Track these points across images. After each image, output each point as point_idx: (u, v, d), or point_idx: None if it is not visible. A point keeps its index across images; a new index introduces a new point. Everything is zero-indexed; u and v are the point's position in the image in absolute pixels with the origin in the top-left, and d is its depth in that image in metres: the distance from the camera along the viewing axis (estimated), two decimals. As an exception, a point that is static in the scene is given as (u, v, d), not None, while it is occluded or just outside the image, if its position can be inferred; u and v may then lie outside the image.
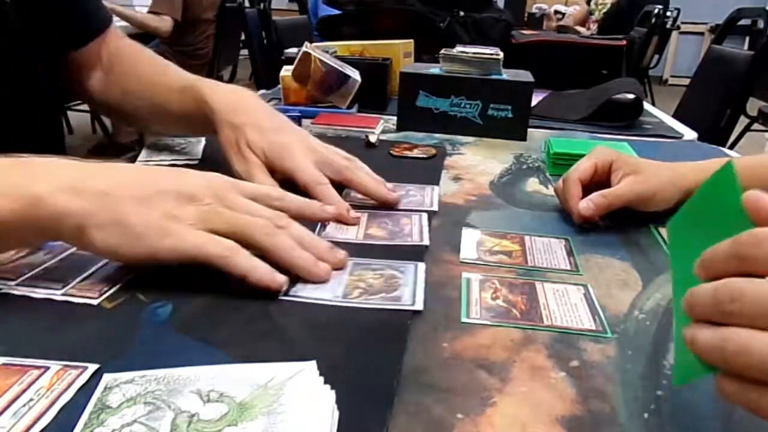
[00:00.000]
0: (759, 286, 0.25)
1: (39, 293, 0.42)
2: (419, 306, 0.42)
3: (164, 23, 2.96)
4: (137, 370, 0.34)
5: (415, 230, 0.55)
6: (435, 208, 0.62)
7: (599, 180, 0.60)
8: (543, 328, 0.41)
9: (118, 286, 0.44)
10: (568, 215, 0.62)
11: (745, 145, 2.36)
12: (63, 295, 0.42)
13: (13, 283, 0.43)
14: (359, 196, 0.62)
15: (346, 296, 0.43)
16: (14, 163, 0.42)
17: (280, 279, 0.43)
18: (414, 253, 0.51)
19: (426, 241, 0.53)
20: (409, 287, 0.45)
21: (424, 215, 0.59)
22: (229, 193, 0.46)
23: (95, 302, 0.42)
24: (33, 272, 0.45)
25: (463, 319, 0.42)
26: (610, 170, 0.60)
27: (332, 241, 0.50)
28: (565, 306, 0.44)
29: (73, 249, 0.49)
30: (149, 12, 2.98)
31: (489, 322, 0.42)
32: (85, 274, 0.45)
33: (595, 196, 0.58)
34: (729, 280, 0.26)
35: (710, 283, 0.27)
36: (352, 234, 0.54)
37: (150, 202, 0.42)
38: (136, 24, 2.94)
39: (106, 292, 0.43)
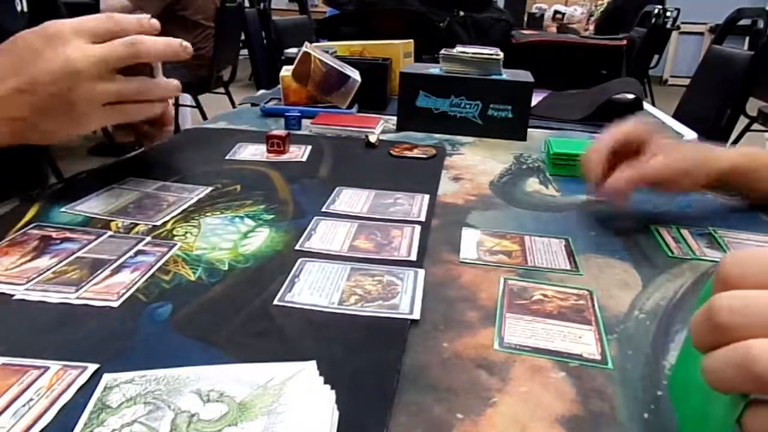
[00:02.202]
0: (759, 296, 0.24)
1: (53, 297, 0.42)
2: (416, 315, 0.42)
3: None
4: (137, 370, 0.34)
5: (404, 243, 0.53)
6: (422, 218, 0.59)
7: (628, 154, 0.57)
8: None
9: (135, 287, 0.44)
10: (568, 215, 0.62)
11: (745, 145, 2.35)
12: (78, 298, 0.42)
13: (22, 287, 0.43)
14: (346, 207, 0.62)
15: (342, 303, 0.43)
16: None
17: None
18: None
19: (413, 257, 0.51)
20: (407, 295, 0.44)
21: (417, 228, 0.56)
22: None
23: (116, 304, 0.42)
24: (41, 276, 0.45)
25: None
26: (642, 146, 0.57)
27: (315, 253, 0.51)
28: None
29: (79, 252, 0.49)
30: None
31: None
32: (98, 277, 0.45)
33: (625, 167, 0.55)
34: (720, 294, 0.25)
35: (704, 306, 0.25)
36: (336, 245, 0.53)
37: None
38: None
39: (123, 294, 0.43)
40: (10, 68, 0.52)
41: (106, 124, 0.56)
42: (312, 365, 0.35)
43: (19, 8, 0.74)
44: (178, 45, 0.58)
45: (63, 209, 0.58)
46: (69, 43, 0.52)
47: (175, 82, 0.61)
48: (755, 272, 0.25)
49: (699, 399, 0.27)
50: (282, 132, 0.81)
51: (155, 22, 0.58)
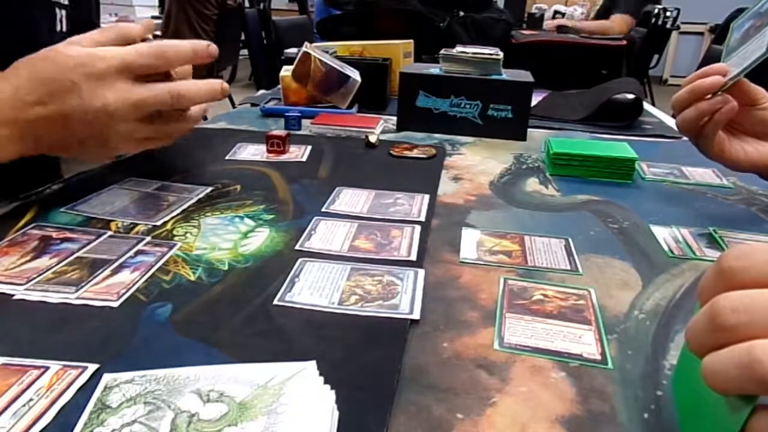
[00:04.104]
0: (762, 294, 0.23)
1: (53, 297, 0.42)
2: (416, 315, 0.42)
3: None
4: (137, 370, 0.34)
5: (404, 243, 0.53)
6: (422, 218, 0.59)
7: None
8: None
9: (135, 287, 0.44)
10: (568, 215, 0.62)
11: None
12: (78, 298, 0.42)
13: (22, 287, 0.43)
14: (346, 207, 0.62)
15: (343, 303, 0.43)
16: None
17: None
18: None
19: (413, 257, 0.51)
20: (407, 295, 0.44)
21: (417, 228, 0.56)
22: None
23: (116, 304, 0.42)
24: (41, 276, 0.45)
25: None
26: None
27: (315, 253, 0.51)
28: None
29: (79, 252, 0.49)
30: None
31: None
32: (98, 277, 0.45)
33: None
34: (722, 295, 0.24)
35: (704, 308, 0.25)
36: (336, 245, 0.52)
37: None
38: None
39: (123, 294, 0.43)
40: (45, 92, 0.50)
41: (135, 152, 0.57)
42: (312, 365, 0.35)
43: (58, 28, 0.73)
44: (218, 87, 0.57)
45: (63, 209, 0.58)
46: (112, 86, 0.51)
47: (203, 106, 0.61)
48: (758, 265, 0.25)
49: (701, 399, 0.27)
50: (282, 132, 0.81)
51: (213, 49, 0.56)
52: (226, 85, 0.58)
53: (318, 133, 0.92)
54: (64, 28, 0.74)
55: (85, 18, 0.81)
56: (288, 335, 0.39)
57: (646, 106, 1.18)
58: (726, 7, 2.30)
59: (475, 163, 0.80)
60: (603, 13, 3.78)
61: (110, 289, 0.43)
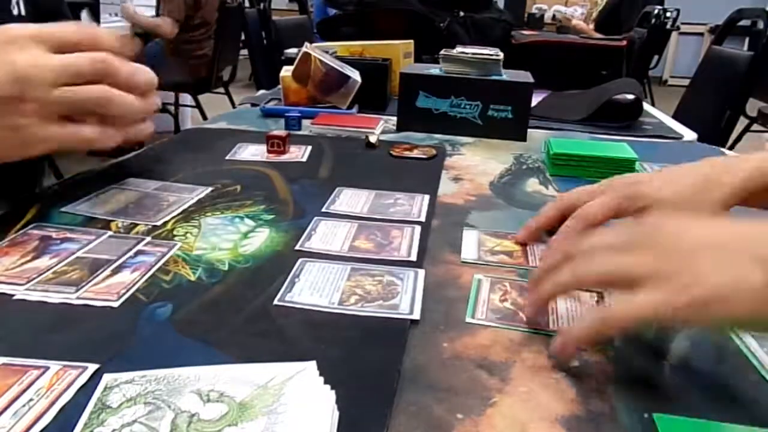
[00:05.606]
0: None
1: (53, 297, 0.42)
2: (416, 315, 0.42)
3: (166, 23, 2.97)
4: (137, 370, 0.34)
5: (404, 244, 0.53)
6: (422, 218, 0.59)
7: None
8: (548, 332, 0.41)
9: (135, 287, 0.44)
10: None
11: (745, 146, 2.36)
12: (78, 298, 0.42)
13: (22, 287, 0.43)
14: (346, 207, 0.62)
15: (342, 303, 0.43)
16: None
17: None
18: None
19: (413, 257, 0.51)
20: (407, 295, 0.44)
21: (417, 228, 0.56)
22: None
23: (116, 304, 0.42)
24: (41, 276, 0.45)
25: (468, 320, 0.42)
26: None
27: (315, 253, 0.50)
28: (574, 312, 0.44)
29: (79, 252, 0.49)
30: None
31: (494, 324, 0.41)
32: (98, 277, 0.45)
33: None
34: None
35: None
36: (336, 246, 0.52)
37: None
38: (141, 25, 2.94)
39: (124, 294, 0.43)
40: None
41: (61, 147, 0.48)
42: (312, 365, 0.35)
43: (16, 11, 0.69)
44: (152, 108, 0.52)
45: (63, 209, 0.58)
46: (24, 50, 0.46)
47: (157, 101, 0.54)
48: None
49: None
50: (282, 132, 0.81)
51: (136, 44, 0.54)
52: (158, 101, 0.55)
53: (318, 134, 0.92)
54: (22, 11, 0.69)
55: (51, 6, 0.76)
56: (288, 335, 0.39)
57: (646, 106, 1.18)
58: (726, 8, 2.30)
59: (475, 164, 0.80)
60: (610, 11, 3.77)
61: (110, 289, 0.44)
